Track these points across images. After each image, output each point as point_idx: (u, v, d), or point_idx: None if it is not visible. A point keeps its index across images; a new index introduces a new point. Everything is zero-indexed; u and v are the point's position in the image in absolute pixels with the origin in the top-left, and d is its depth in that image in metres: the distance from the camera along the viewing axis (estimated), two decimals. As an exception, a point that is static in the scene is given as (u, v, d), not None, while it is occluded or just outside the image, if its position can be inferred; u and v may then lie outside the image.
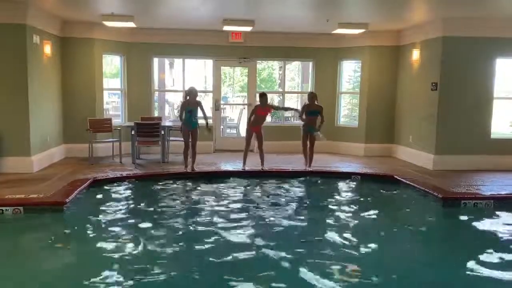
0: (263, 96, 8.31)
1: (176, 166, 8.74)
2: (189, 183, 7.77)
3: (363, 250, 4.82)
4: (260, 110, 8.39)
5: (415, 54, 9.65)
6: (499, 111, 9.32)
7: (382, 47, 10.52)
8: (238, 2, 7.68)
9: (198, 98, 8.24)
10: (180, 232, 5.41)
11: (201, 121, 8.33)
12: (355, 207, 6.55)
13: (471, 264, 4.45)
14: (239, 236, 5.18)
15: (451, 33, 8.65)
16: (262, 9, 8.13)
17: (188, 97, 8.19)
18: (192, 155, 8.33)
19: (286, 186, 7.73)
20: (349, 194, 7.46)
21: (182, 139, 8.33)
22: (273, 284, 3.91)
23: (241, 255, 4.55)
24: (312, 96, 8.52)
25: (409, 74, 10.07)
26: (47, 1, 7.84)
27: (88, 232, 5.33)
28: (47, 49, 8.68)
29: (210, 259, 4.45)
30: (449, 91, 8.82)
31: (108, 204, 6.51)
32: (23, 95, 7.83)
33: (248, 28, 9.47)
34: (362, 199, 7.17)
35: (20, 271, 4.24)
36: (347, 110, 11.91)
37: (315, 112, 8.44)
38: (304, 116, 8.47)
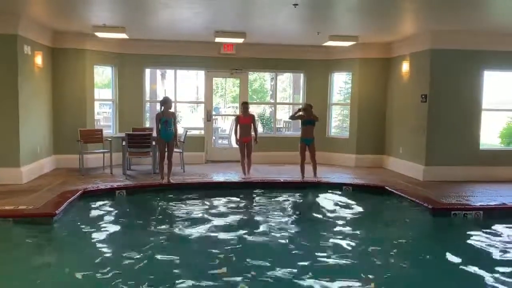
0: (244, 104, 8.85)
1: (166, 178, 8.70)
2: (179, 195, 7.71)
3: (351, 262, 4.84)
4: (242, 118, 8.75)
5: (405, 66, 9.78)
6: (488, 122, 9.45)
7: (372, 59, 10.63)
8: (230, 15, 7.74)
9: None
10: (170, 243, 5.37)
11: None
12: (344, 219, 6.56)
13: (460, 275, 4.48)
14: (232, 244, 5.19)
15: (439, 46, 8.80)
16: (253, 21, 8.21)
17: (162, 108, 8.10)
18: (168, 167, 8.22)
19: (275, 196, 7.74)
20: (340, 205, 7.46)
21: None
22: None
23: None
24: (305, 107, 8.78)
25: (399, 86, 10.18)
26: (38, 12, 7.84)
27: (78, 244, 5.28)
28: (38, 59, 8.66)
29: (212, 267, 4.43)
30: (438, 103, 8.93)
31: (98, 215, 6.46)
32: (13, 106, 7.78)
33: (239, 40, 9.54)
34: (352, 210, 7.18)
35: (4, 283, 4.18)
36: (338, 121, 12.00)
37: (311, 121, 8.58)
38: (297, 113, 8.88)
